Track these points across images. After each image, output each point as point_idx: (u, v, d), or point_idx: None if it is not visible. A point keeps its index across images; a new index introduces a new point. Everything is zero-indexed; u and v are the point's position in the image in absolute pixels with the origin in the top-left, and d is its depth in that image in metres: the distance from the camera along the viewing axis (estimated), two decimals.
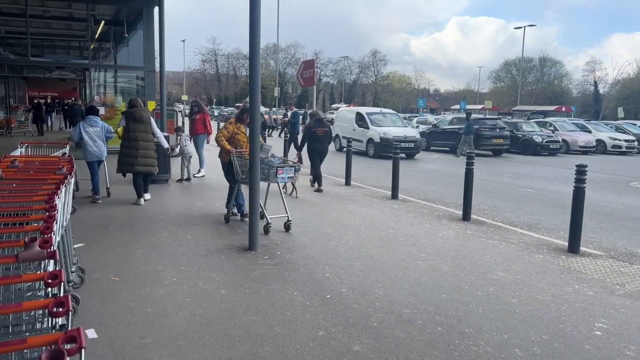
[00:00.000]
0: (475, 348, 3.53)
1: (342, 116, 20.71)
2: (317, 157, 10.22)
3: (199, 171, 11.43)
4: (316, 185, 10.19)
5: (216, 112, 52.15)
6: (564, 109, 47.29)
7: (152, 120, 8.39)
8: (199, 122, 11.67)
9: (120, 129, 8.19)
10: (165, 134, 11.19)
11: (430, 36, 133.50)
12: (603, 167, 17.26)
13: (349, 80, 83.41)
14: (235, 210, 7.36)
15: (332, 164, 13.60)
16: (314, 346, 3.48)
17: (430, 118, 34.19)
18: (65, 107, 25.53)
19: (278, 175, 6.50)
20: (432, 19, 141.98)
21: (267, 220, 6.45)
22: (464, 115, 21.37)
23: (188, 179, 10.78)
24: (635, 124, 29.20)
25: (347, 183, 11.06)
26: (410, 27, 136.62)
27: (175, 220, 7.12)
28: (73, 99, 27.14)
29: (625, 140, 24.06)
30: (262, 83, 6.68)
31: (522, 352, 3.49)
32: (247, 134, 6.85)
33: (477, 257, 5.75)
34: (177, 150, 10.97)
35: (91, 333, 3.54)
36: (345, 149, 11.78)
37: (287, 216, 6.64)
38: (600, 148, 23.80)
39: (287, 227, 6.64)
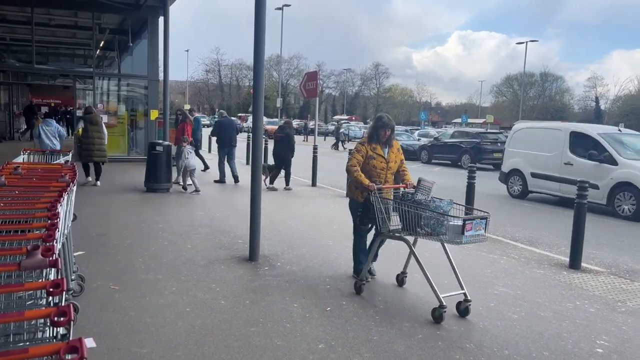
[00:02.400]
0: None
1: (528, 137, 12.07)
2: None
3: (176, 179, 11.31)
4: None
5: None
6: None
7: (102, 123, 10.86)
8: (179, 131, 12.06)
9: (80, 129, 10.63)
10: (168, 142, 11.25)
11: (432, 50, 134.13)
12: None
13: (351, 92, 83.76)
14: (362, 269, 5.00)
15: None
16: (313, 359, 3.45)
17: (432, 131, 34.30)
18: (68, 115, 25.63)
19: (465, 233, 4.06)
20: (434, 32, 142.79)
21: (441, 302, 4.14)
22: (466, 129, 21.35)
23: (197, 190, 10.36)
24: None
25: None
26: (412, 40, 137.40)
27: (176, 229, 7.11)
28: (70, 108, 27.30)
29: None
30: (265, 94, 6.71)
31: None
32: (387, 157, 5.05)
33: (477, 271, 5.73)
34: (182, 162, 10.60)
35: (90, 342, 3.52)
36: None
37: (464, 293, 4.33)
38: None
39: (465, 310, 4.32)
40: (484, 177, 16.86)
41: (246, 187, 7.18)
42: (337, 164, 18.35)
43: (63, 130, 10.66)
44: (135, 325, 3.86)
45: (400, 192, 4.85)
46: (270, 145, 16.26)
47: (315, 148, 12.60)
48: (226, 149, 12.19)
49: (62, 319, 1.54)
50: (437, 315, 4.17)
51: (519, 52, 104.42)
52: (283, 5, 41.02)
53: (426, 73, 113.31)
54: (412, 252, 4.53)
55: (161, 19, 14.67)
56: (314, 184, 12.35)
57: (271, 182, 11.51)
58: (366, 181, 4.73)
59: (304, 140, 34.69)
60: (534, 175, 11.55)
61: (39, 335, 1.81)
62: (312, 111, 42.54)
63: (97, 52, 17.57)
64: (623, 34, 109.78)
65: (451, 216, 4.23)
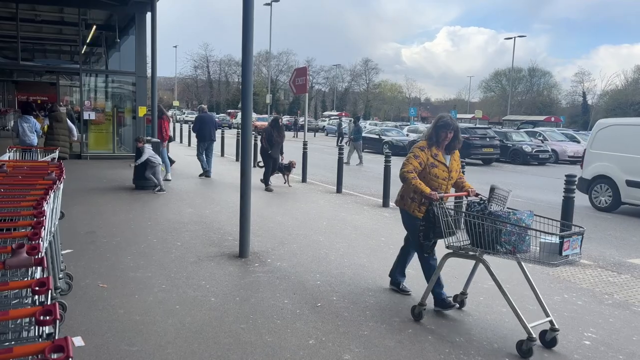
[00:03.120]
0: (466, 357, 3.52)
1: (619, 136, 10.04)
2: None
3: (165, 176, 11.26)
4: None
5: None
6: (553, 119, 47.78)
7: (68, 120, 11.00)
8: (158, 128, 12.02)
9: (45, 126, 11.23)
10: (157, 139, 11.18)
11: (421, 45, 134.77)
12: None
13: (341, 88, 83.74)
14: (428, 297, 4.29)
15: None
16: (304, 355, 3.45)
17: (421, 127, 34.38)
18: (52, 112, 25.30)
19: (563, 252, 3.45)
20: (423, 28, 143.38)
21: (530, 334, 3.55)
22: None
23: (161, 189, 9.95)
24: None
25: None
26: (401, 36, 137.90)
27: (165, 226, 7.07)
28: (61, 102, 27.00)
29: None
30: (254, 90, 6.67)
31: None
32: (449, 165, 4.44)
33: (467, 266, 5.75)
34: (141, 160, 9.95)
35: (78, 341, 3.49)
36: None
37: (550, 320, 3.77)
38: None
39: (552, 341, 3.77)
40: (474, 172, 16.95)
41: (236, 184, 7.16)
42: (323, 159, 18.34)
43: (39, 125, 11.03)
44: (124, 324, 3.83)
45: (465, 202, 4.17)
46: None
47: (305, 144, 12.59)
48: (206, 143, 12.56)
49: (47, 318, 1.52)
50: (526, 349, 3.56)
51: (507, 48, 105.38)
52: (272, 1, 40.83)
53: (415, 69, 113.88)
54: (491, 275, 3.78)
55: (148, 15, 14.52)
56: (304, 180, 12.34)
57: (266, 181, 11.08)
58: (427, 189, 4.10)
59: (294, 137, 34.64)
60: (630, 183, 9.52)
61: (24, 334, 1.79)
62: (302, 107, 42.55)
63: (84, 49, 17.36)
64: (610, 29, 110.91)
65: (546, 232, 3.58)
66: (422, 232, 4.12)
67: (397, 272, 4.84)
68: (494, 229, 3.71)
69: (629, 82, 64.51)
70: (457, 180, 4.53)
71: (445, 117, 4.46)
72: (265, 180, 11.00)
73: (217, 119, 50.69)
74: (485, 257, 3.84)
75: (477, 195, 4.26)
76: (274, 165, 11.20)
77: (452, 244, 3.98)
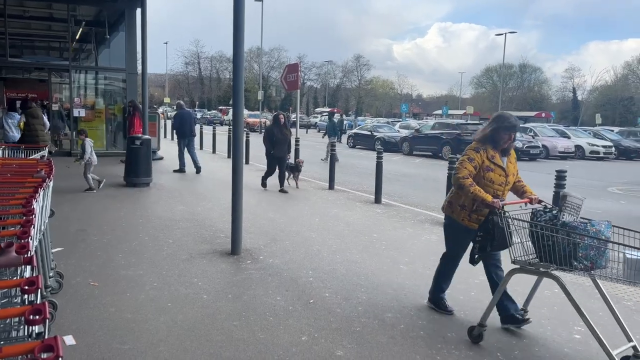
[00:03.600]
0: (458, 352, 3.55)
1: None
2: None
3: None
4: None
5: (199, 115, 51.72)
6: (543, 114, 48.11)
7: (43, 116, 11.51)
8: (130, 124, 12.23)
9: (22, 123, 11.31)
10: (147, 136, 11.12)
11: (412, 42, 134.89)
12: (581, 172, 17.55)
13: (333, 84, 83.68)
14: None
15: None
16: (296, 351, 3.46)
17: (413, 123, 34.49)
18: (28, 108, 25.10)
19: None
20: (414, 24, 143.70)
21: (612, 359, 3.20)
22: (447, 121, 21.51)
23: (91, 189, 9.35)
24: (612, 130, 29.83)
25: None
26: (392, 32, 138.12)
27: (156, 224, 7.04)
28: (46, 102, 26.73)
29: (603, 146, 24.57)
30: (245, 86, 6.64)
31: (503, 356, 3.52)
32: (505, 167, 3.99)
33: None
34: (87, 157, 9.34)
35: (69, 339, 3.47)
36: None
37: (634, 346, 3.47)
38: (578, 153, 24.23)
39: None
40: None
41: (227, 181, 7.13)
42: (315, 155, 18.33)
43: (17, 121, 11.74)
44: (115, 322, 3.82)
45: (524, 209, 3.74)
46: (252, 138, 16.21)
47: (297, 141, 12.57)
48: (186, 139, 12.65)
49: (37, 317, 1.51)
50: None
51: (498, 44, 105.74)
52: None
53: (407, 65, 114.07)
54: (567, 295, 3.38)
55: (138, 11, 14.40)
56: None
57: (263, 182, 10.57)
58: (489, 197, 3.68)
59: None
60: None
61: (14, 334, 1.77)
62: (294, 104, 42.45)
63: (73, 45, 17.19)
64: (599, 25, 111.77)
65: (632, 247, 3.16)
66: (479, 244, 3.78)
67: (438, 289, 4.30)
68: (569, 242, 3.32)
69: (618, 78, 65.11)
70: (515, 184, 4.09)
71: (510, 117, 3.97)
72: (263, 181, 10.49)
73: (220, 117, 50.19)
74: (556, 272, 3.42)
75: (540, 202, 3.85)
76: (280, 165, 10.34)
77: (518, 258, 3.55)
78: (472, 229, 3.93)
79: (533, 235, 3.46)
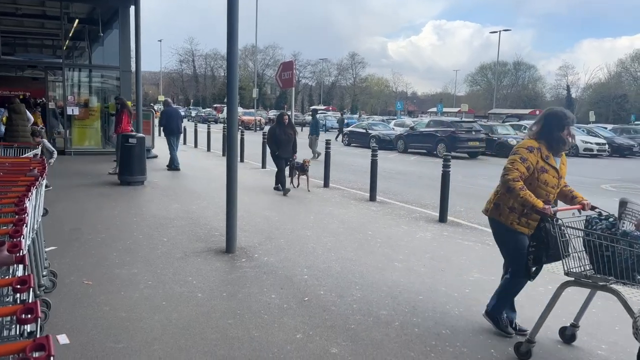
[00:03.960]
0: (452, 349, 3.56)
1: None
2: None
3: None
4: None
5: (193, 113, 51.59)
6: (538, 112, 48.11)
7: (27, 111, 11.44)
8: (118, 121, 11.99)
9: (4, 118, 11.75)
10: (142, 134, 11.07)
11: (407, 39, 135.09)
12: (575, 169, 17.62)
13: (328, 82, 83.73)
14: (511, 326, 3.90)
15: None
16: (291, 349, 3.46)
17: (408, 121, 34.51)
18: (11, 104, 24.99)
19: None
20: (409, 22, 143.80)
21: None
22: (441, 118, 21.54)
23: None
24: (605, 128, 29.96)
25: None
26: (387, 30, 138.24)
27: (151, 222, 7.02)
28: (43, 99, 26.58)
29: (597, 144, 24.67)
30: (240, 84, 6.56)
31: (498, 353, 3.54)
32: (558, 169, 3.66)
33: (453, 258, 5.81)
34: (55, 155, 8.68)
35: (63, 339, 3.46)
36: None
37: None
38: (572, 151, 24.31)
39: None
40: (460, 165, 17.08)
41: (222, 179, 7.10)
42: (310, 153, 18.32)
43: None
44: (109, 321, 3.80)
45: (585, 217, 3.40)
46: (247, 136, 16.19)
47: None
48: (175, 136, 12.72)
49: (29, 316, 1.50)
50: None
51: (492, 42, 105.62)
52: None
53: (402, 63, 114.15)
54: (629, 310, 3.02)
55: (132, 8, 14.33)
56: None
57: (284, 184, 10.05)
58: (540, 203, 3.35)
59: None
60: None
61: (5, 333, 1.76)
62: (289, 101, 42.47)
63: (67, 43, 17.09)
64: (593, 23, 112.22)
65: None
66: (533, 255, 3.43)
67: (506, 307, 3.91)
68: (631, 253, 3.03)
69: (611, 76, 65.45)
70: (562, 188, 3.77)
71: (567, 113, 3.60)
72: (282, 183, 9.93)
73: (215, 115, 49.99)
74: (615, 286, 3.16)
75: (593, 208, 3.50)
76: (287, 166, 10.19)
77: (572, 269, 3.30)
78: (523, 233, 3.65)
79: (589, 245, 3.21)
